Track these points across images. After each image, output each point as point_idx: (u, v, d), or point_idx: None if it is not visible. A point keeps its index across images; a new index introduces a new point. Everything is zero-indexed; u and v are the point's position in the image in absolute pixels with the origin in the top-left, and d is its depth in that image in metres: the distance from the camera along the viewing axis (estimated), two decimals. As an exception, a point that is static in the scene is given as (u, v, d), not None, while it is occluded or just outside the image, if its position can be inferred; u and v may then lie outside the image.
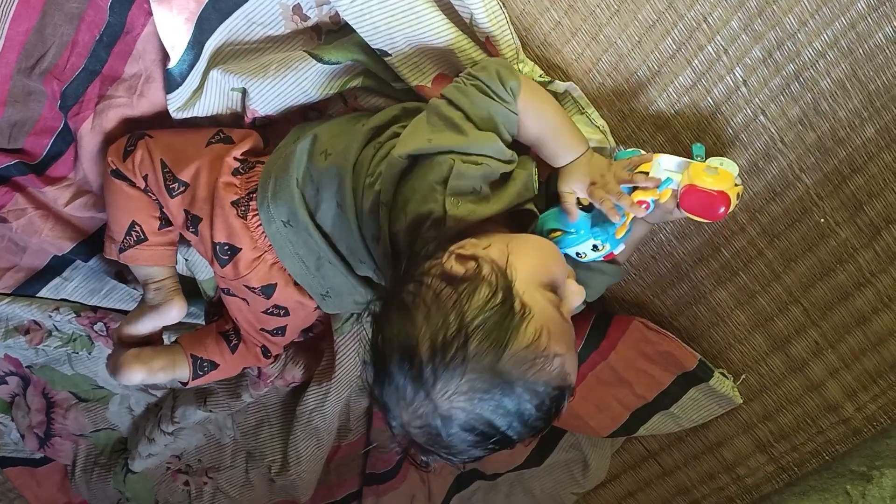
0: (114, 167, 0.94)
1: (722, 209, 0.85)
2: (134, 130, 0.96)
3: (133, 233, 0.96)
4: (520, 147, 0.87)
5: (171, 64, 0.88)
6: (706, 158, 0.88)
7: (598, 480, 1.21)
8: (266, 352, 1.06)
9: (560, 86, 0.92)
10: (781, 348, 1.07)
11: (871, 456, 1.03)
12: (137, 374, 0.98)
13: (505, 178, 0.83)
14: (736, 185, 0.86)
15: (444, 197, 0.76)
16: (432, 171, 0.78)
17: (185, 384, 1.04)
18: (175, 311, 1.00)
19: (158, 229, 0.97)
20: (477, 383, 0.65)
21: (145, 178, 0.93)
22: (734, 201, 0.85)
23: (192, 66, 0.89)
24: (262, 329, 1.01)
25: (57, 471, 1.26)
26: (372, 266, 0.86)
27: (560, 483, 1.21)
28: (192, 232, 0.93)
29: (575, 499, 1.24)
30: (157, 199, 0.95)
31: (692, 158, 0.88)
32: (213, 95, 0.94)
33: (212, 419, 1.21)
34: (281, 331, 1.01)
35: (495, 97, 0.81)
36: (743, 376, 1.09)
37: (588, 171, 0.87)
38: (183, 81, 0.90)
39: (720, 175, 0.85)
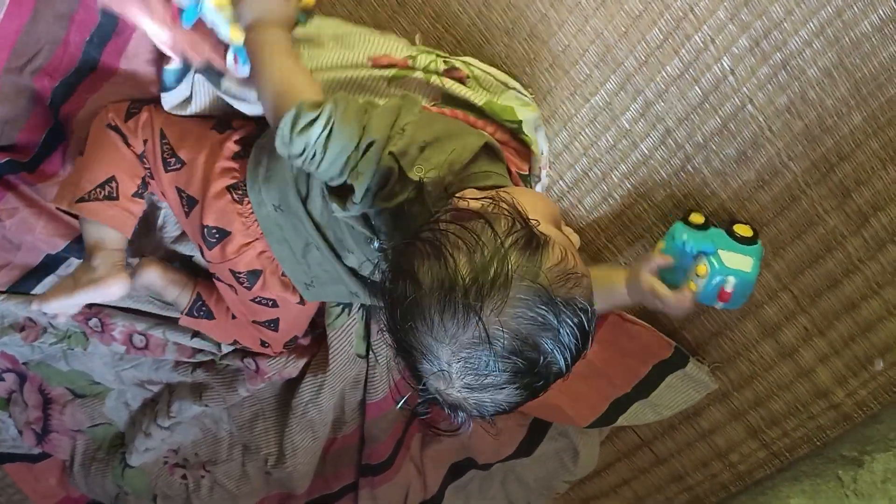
0: (113, 123, 0.92)
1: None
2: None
3: (107, 187, 0.91)
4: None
5: (166, 67, 0.88)
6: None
7: (589, 468, 1.22)
8: (264, 343, 1.06)
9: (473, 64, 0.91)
10: (772, 335, 1.07)
11: (862, 441, 1.04)
12: (153, 272, 1.02)
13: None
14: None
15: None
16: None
17: (178, 317, 1.06)
18: (117, 288, 0.94)
19: (132, 195, 0.93)
20: (522, 299, 0.64)
21: (145, 142, 0.92)
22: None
23: (184, 75, 0.90)
24: (255, 321, 1.01)
25: (55, 466, 1.26)
26: (359, 256, 0.86)
27: (552, 472, 1.21)
28: (184, 211, 0.92)
29: (567, 486, 1.24)
30: (148, 167, 0.93)
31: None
32: (204, 100, 0.93)
33: (207, 413, 1.22)
34: (273, 324, 1.01)
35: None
36: (715, 363, 1.10)
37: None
38: (176, 86, 0.90)
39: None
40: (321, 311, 1.10)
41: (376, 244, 0.79)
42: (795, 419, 1.12)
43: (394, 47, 0.89)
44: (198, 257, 1.07)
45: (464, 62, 0.90)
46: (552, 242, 0.68)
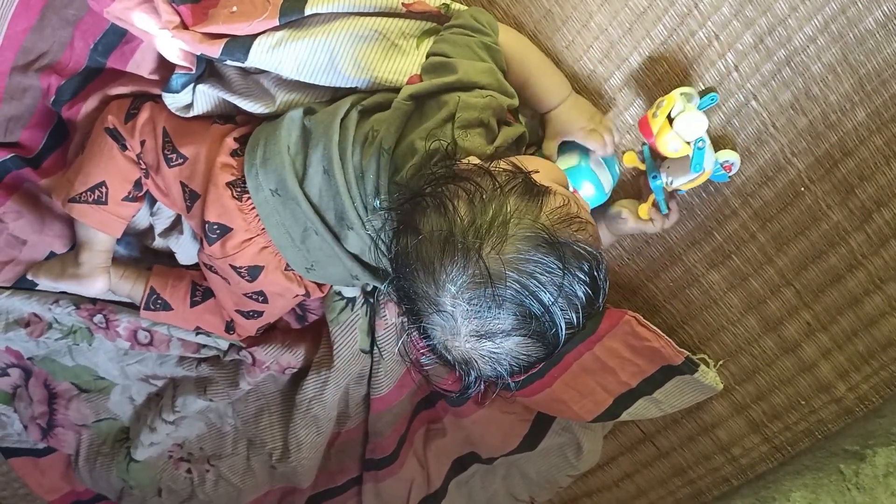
0: (111, 126, 0.93)
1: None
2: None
3: (97, 191, 0.94)
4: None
5: (176, 72, 0.89)
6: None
7: (592, 462, 1.22)
8: (229, 327, 1.06)
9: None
10: (774, 330, 1.08)
11: (864, 435, 1.04)
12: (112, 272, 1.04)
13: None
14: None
15: (453, 129, 0.77)
16: (440, 109, 0.79)
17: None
18: (97, 287, 1.02)
19: (122, 199, 0.95)
20: (522, 237, 0.65)
21: (142, 143, 0.92)
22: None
23: (190, 82, 0.90)
24: (238, 310, 1.01)
25: (60, 460, 1.26)
26: (359, 235, 0.85)
27: (555, 466, 1.22)
28: (186, 206, 0.93)
29: (570, 480, 1.25)
30: (145, 169, 0.94)
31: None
32: (204, 108, 0.94)
33: (212, 408, 1.22)
34: (255, 314, 1.01)
35: (474, 33, 0.84)
36: (721, 361, 1.10)
37: (578, 115, 0.91)
38: (180, 90, 0.90)
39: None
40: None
41: (377, 203, 0.81)
42: (797, 413, 1.12)
43: None
44: (180, 256, 1.07)
45: None
46: (553, 191, 0.69)
